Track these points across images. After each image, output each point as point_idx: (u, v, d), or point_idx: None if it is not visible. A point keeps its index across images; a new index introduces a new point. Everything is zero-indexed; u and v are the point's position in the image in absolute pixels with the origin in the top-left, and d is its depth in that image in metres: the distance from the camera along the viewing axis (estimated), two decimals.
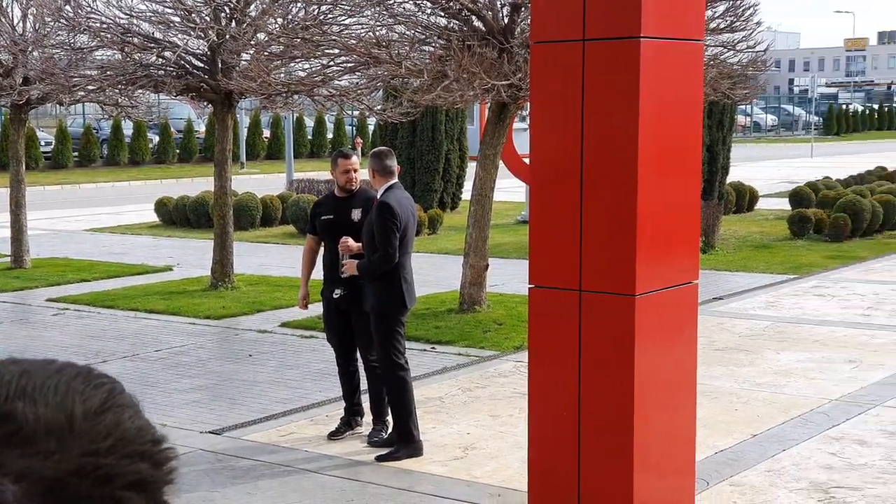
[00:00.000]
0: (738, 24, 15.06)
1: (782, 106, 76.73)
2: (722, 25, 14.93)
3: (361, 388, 9.27)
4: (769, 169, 41.25)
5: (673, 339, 7.11)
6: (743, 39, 15.57)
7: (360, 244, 8.74)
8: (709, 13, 14.13)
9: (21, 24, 17.98)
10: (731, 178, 26.05)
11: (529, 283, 7.22)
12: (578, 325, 6.95)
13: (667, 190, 6.96)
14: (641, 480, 6.83)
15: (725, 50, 15.82)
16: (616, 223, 6.78)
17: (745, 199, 26.10)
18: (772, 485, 7.89)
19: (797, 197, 24.48)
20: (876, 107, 75.68)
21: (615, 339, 6.82)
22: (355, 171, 9.09)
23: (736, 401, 10.09)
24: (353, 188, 9.07)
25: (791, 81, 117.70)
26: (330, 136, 49.60)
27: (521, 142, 19.72)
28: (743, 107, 52.78)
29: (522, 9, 13.12)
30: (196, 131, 46.30)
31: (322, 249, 9.26)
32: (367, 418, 9.19)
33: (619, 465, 6.83)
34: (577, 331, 6.96)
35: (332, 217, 9.06)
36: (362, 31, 13.72)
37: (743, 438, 8.96)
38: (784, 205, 25.46)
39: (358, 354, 9.14)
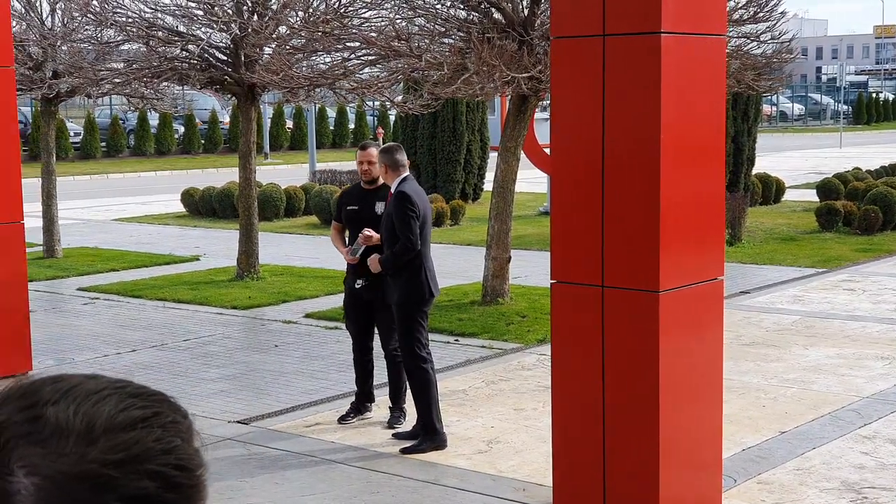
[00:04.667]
0: (761, 14, 14.96)
1: (809, 95, 75.88)
2: (745, 16, 14.84)
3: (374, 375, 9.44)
4: (796, 159, 40.94)
5: (699, 337, 7.06)
6: (767, 30, 15.47)
7: (380, 235, 8.82)
8: (731, 4, 14.05)
9: (50, 19, 18.22)
10: (757, 169, 25.83)
11: (551, 279, 7.20)
12: (601, 321, 6.92)
13: (690, 184, 6.94)
14: (668, 476, 6.80)
15: (749, 41, 15.71)
16: (639, 218, 6.75)
17: (771, 190, 25.80)
18: (801, 484, 7.77)
19: (825, 188, 24.25)
20: None
21: (639, 335, 6.78)
22: (370, 163, 9.16)
23: (763, 397, 9.97)
24: (370, 179, 9.16)
25: (819, 70, 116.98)
26: (352, 126, 49.70)
27: (543, 132, 19.67)
28: (769, 96, 52.44)
29: (542, 0, 13.10)
30: (221, 122, 46.42)
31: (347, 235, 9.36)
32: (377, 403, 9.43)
33: (644, 461, 6.80)
34: (600, 327, 6.93)
35: (356, 208, 9.17)
36: (382, 24, 13.74)
37: (771, 436, 8.84)
38: (812, 196, 25.21)
39: (376, 342, 9.24)
